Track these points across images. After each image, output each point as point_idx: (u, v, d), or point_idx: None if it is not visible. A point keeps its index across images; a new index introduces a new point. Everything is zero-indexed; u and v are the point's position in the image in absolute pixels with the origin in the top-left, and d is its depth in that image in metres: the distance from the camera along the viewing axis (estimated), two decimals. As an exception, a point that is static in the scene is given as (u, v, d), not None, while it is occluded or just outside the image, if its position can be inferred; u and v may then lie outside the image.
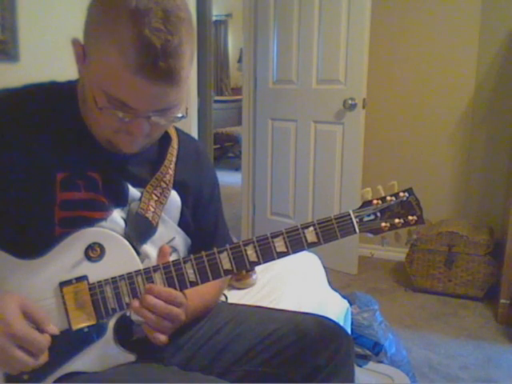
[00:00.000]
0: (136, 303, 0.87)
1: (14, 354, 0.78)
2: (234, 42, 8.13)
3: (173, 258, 0.96)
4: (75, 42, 0.85)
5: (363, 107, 2.94)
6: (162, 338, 0.88)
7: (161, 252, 0.92)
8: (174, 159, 1.02)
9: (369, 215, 0.92)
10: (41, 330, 0.82)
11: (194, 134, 2.75)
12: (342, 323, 1.64)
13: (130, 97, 0.80)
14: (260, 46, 3.34)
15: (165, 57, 0.76)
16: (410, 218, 0.93)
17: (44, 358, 0.82)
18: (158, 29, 0.76)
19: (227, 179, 5.64)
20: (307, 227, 0.90)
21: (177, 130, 1.07)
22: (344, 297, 1.87)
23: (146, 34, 0.75)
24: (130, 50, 0.76)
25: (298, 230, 0.90)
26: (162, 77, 0.78)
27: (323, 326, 1.07)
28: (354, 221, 0.91)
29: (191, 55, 0.83)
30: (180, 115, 0.87)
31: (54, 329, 0.84)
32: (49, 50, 1.88)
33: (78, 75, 0.90)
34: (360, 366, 1.94)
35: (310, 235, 0.90)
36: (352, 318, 1.93)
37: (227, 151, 7.10)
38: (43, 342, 0.81)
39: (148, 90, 0.79)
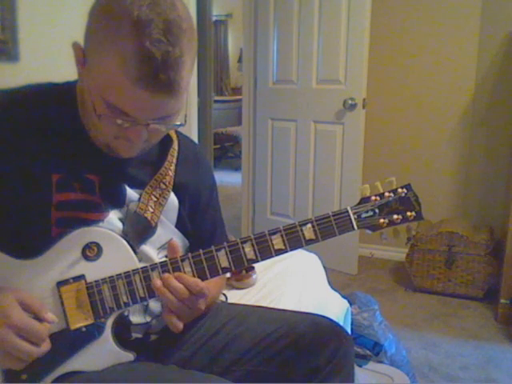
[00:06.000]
0: (158, 282, 0.86)
1: (16, 344, 0.79)
2: (234, 42, 8.12)
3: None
4: (76, 46, 0.84)
5: (363, 107, 2.94)
6: (179, 324, 0.88)
7: (170, 246, 0.91)
8: (174, 161, 1.03)
9: (367, 211, 0.92)
10: (39, 319, 0.82)
11: (194, 133, 2.74)
12: (341, 323, 1.63)
13: (130, 106, 0.80)
14: (260, 46, 3.34)
15: (165, 69, 0.76)
16: (409, 213, 0.93)
17: (46, 346, 0.83)
18: (158, 40, 0.76)
19: (227, 179, 5.64)
20: (305, 224, 0.90)
21: (177, 132, 1.07)
22: (344, 297, 1.87)
23: (146, 46, 0.75)
24: (131, 61, 0.76)
25: (295, 227, 0.90)
26: (162, 88, 0.78)
27: (322, 326, 1.07)
28: (352, 217, 0.91)
29: (192, 64, 0.83)
30: (179, 123, 0.87)
31: (52, 316, 0.84)
32: (49, 50, 1.88)
33: (77, 77, 0.90)
34: (360, 366, 1.94)
35: (308, 232, 0.90)
36: (352, 318, 1.93)
37: (227, 151, 7.09)
38: (43, 329, 0.82)
39: (148, 101, 0.79)
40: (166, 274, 0.87)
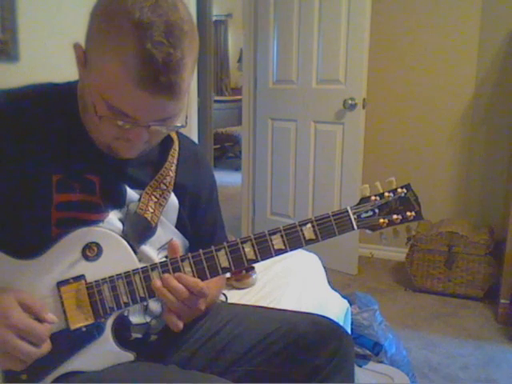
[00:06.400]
0: (158, 283, 0.87)
1: (16, 345, 0.78)
2: (234, 42, 8.12)
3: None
4: (77, 47, 0.85)
5: (363, 107, 2.94)
6: (179, 324, 0.88)
7: (170, 246, 0.92)
8: (175, 161, 1.03)
9: (367, 211, 0.92)
10: (40, 320, 0.82)
11: (194, 133, 2.74)
12: (341, 323, 1.63)
13: (130, 107, 0.80)
14: (260, 46, 3.34)
15: (166, 71, 0.77)
16: (409, 213, 0.93)
17: (47, 346, 0.83)
18: (160, 42, 0.76)
19: (227, 179, 5.64)
20: (305, 224, 0.90)
21: (177, 132, 1.07)
22: (344, 297, 1.87)
23: (148, 48, 0.75)
24: (132, 63, 0.76)
25: (295, 227, 0.90)
26: (162, 90, 0.78)
27: (322, 326, 1.07)
28: (352, 217, 0.91)
29: (193, 66, 0.83)
30: (179, 124, 0.87)
31: (53, 317, 0.84)
32: (49, 50, 1.87)
33: (78, 77, 0.90)
34: (360, 366, 1.94)
35: (308, 232, 0.90)
36: (352, 318, 1.93)
37: (227, 151, 7.10)
38: (43, 330, 0.82)
39: (148, 102, 0.79)
40: (166, 275, 0.87)
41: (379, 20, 3.11)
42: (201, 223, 1.09)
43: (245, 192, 3.64)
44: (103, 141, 0.90)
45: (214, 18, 6.44)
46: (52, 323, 0.84)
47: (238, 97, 5.16)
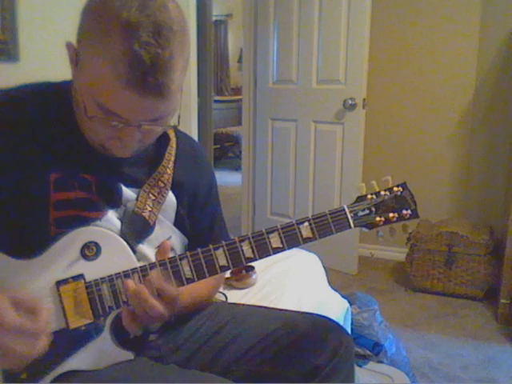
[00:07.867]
0: (131, 287, 0.86)
1: (13, 347, 0.76)
2: (234, 42, 8.12)
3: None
4: (69, 46, 0.85)
5: (363, 107, 2.94)
6: (135, 330, 0.89)
7: (161, 246, 0.92)
8: (172, 159, 1.02)
9: (363, 210, 0.93)
10: (35, 315, 0.80)
11: (194, 133, 2.74)
12: (342, 323, 1.63)
13: (120, 107, 0.80)
14: (260, 46, 3.34)
15: (154, 72, 0.76)
16: (405, 212, 0.93)
17: (44, 345, 0.80)
18: (148, 43, 0.75)
19: (227, 179, 5.64)
20: (302, 223, 0.91)
21: (176, 130, 1.07)
22: (344, 297, 1.87)
23: (135, 49, 0.75)
24: (120, 64, 0.76)
25: (293, 225, 0.91)
26: (151, 91, 0.77)
27: (322, 326, 1.07)
28: (349, 216, 0.91)
29: (184, 66, 0.83)
30: (172, 124, 0.87)
31: (47, 313, 0.81)
32: (49, 50, 1.87)
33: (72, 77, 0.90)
34: (360, 366, 1.94)
35: (305, 230, 0.90)
36: (352, 318, 1.93)
37: (227, 151, 7.10)
38: (39, 327, 0.79)
39: (138, 103, 0.79)
40: (146, 295, 0.85)
41: (379, 20, 3.11)
42: (199, 219, 1.09)
43: (245, 192, 3.64)
44: (97, 140, 0.89)
45: (214, 18, 6.44)
46: (46, 320, 0.83)
47: (238, 97, 5.16)
